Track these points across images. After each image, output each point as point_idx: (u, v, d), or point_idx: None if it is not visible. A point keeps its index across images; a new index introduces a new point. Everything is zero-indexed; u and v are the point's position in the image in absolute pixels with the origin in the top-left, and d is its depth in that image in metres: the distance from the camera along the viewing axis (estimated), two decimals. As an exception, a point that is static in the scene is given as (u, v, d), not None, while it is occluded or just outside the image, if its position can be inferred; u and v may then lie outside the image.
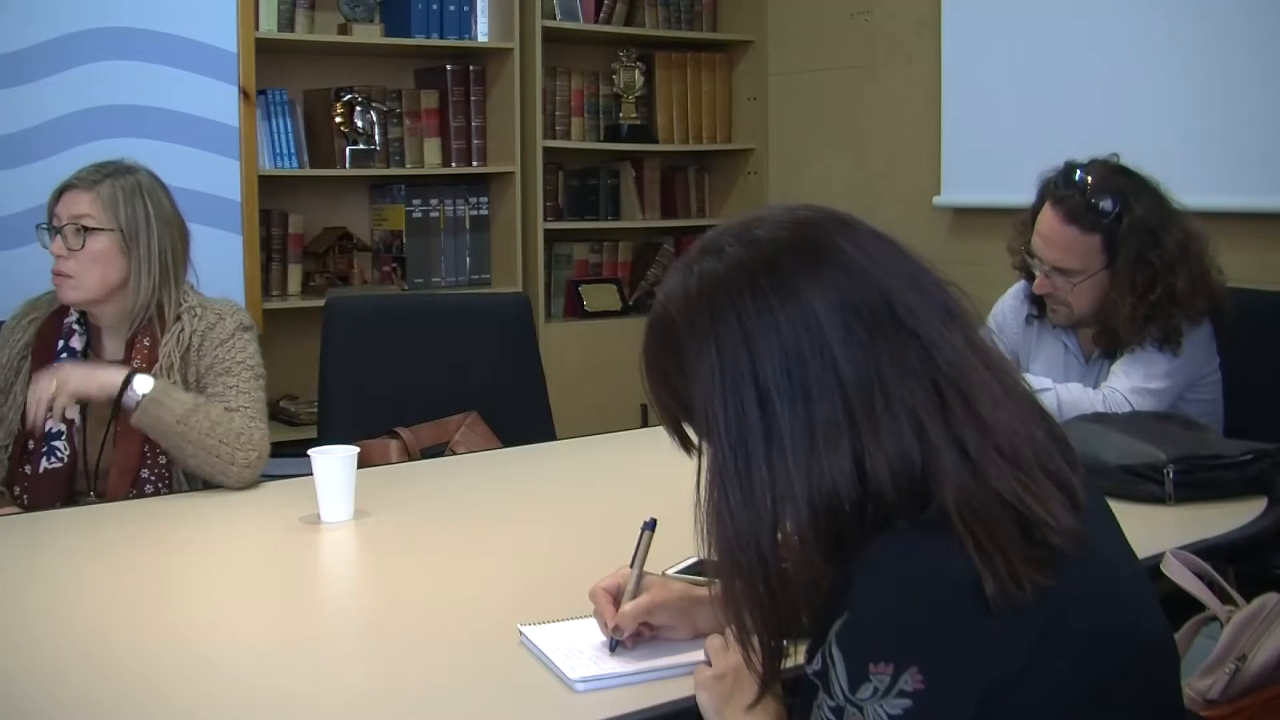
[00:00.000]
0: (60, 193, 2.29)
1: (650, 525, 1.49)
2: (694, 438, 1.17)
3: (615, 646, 1.43)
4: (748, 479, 1.08)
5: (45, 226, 2.28)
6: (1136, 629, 1.10)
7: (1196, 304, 2.42)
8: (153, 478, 2.24)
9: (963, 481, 1.05)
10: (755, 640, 1.14)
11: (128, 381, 2.18)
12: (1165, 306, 2.40)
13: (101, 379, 2.19)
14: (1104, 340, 2.52)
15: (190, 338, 2.28)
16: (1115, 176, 2.45)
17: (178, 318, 2.29)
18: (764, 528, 1.08)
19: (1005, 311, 2.69)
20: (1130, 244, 2.40)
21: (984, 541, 1.02)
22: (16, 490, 2.27)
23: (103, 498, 2.26)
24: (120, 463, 2.23)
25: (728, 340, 1.09)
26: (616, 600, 1.45)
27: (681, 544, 1.45)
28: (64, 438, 2.26)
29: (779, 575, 1.10)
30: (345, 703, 1.40)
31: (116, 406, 2.23)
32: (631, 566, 1.46)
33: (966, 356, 1.10)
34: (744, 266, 1.11)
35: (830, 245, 1.12)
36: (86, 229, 2.24)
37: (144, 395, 2.17)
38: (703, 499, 1.12)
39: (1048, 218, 2.47)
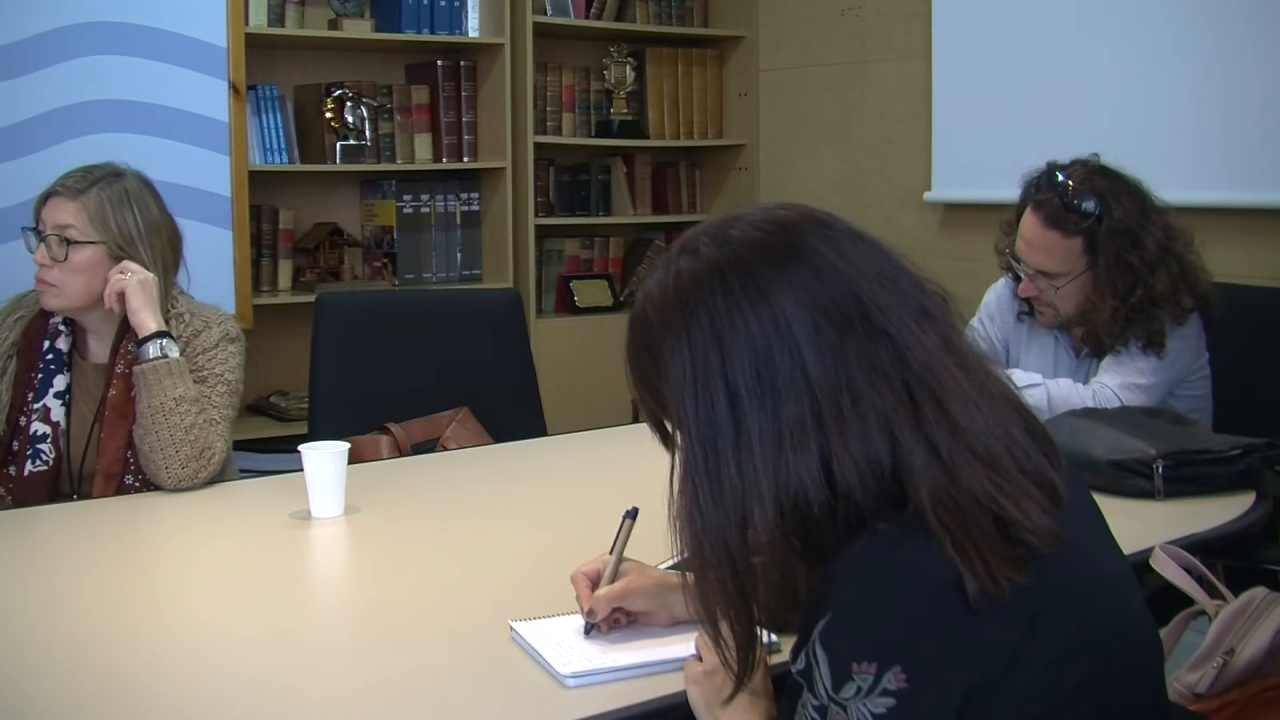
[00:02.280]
0: (46, 197, 2.26)
1: (632, 514, 1.51)
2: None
3: (590, 630, 1.46)
4: (716, 477, 1.09)
5: (31, 229, 2.26)
6: (1119, 625, 1.10)
7: (1180, 303, 2.42)
8: (137, 484, 2.23)
9: (936, 481, 1.05)
10: (727, 636, 1.14)
11: (162, 336, 2.20)
12: (1146, 308, 2.40)
13: (147, 315, 2.20)
14: (1090, 341, 2.53)
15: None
16: (1095, 178, 2.45)
17: (165, 322, 2.26)
18: (732, 526, 1.09)
19: (999, 300, 2.70)
20: (1110, 246, 2.40)
21: (961, 540, 1.03)
22: (1, 491, 2.26)
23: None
24: (105, 469, 2.22)
25: (699, 339, 1.10)
26: (595, 585, 1.48)
27: (661, 541, 1.46)
28: (49, 440, 2.25)
29: (748, 572, 1.10)
30: (336, 698, 1.40)
31: (103, 404, 2.23)
32: (611, 553, 1.49)
33: (940, 358, 1.10)
34: (717, 266, 1.12)
35: (803, 246, 1.12)
36: (70, 241, 2.21)
37: (166, 355, 2.18)
38: (674, 496, 1.13)
39: (1029, 222, 2.48)
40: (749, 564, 1.10)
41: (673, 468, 1.14)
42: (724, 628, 1.13)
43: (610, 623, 1.48)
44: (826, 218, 1.16)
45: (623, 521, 1.51)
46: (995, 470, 1.07)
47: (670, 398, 1.12)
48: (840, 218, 1.17)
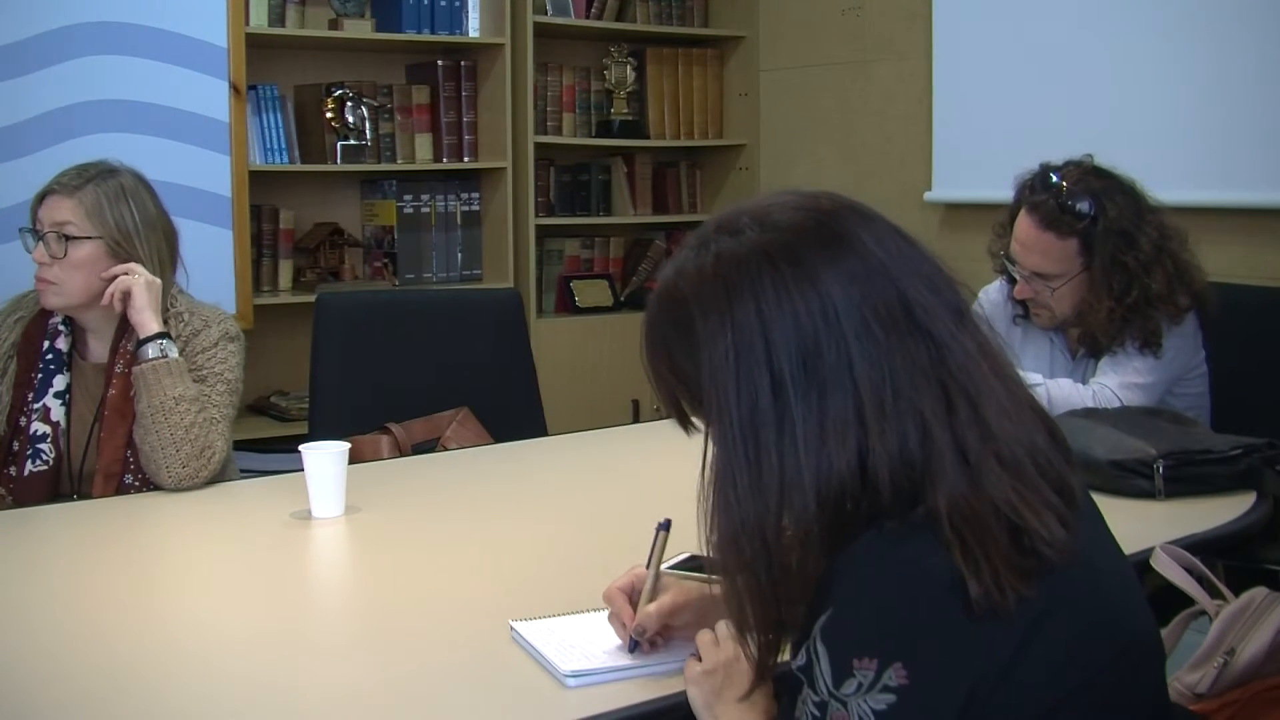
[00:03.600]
0: (42, 197, 2.26)
1: (665, 525, 1.46)
2: (692, 415, 1.16)
3: (635, 648, 1.41)
4: (756, 466, 1.07)
5: (28, 230, 2.26)
6: (1121, 627, 1.10)
7: (1176, 302, 2.42)
8: (136, 483, 2.23)
9: (957, 486, 1.04)
10: (753, 629, 1.13)
11: (162, 337, 2.20)
12: (1142, 308, 2.40)
13: (149, 316, 2.21)
14: (1087, 341, 2.52)
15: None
16: (1090, 178, 2.45)
17: (164, 322, 2.26)
18: (769, 516, 1.07)
19: (992, 303, 2.69)
20: (1105, 247, 2.40)
21: (972, 547, 1.02)
22: (1, 491, 2.26)
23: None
24: (105, 468, 2.22)
25: (744, 324, 1.07)
26: (631, 600, 1.43)
27: (673, 540, 1.45)
28: (49, 440, 2.25)
29: (781, 565, 1.09)
30: (336, 698, 1.40)
31: (102, 404, 2.23)
32: (647, 567, 1.44)
33: (977, 361, 1.09)
34: (762, 249, 1.09)
35: (851, 237, 1.10)
36: (68, 237, 2.22)
37: (166, 356, 2.19)
38: (708, 484, 1.10)
39: (1024, 224, 2.47)
40: (784, 555, 1.09)
41: (705, 454, 1.11)
42: (750, 619, 1.12)
43: (650, 639, 1.42)
44: (869, 211, 1.15)
45: (656, 534, 1.46)
46: (1019, 479, 1.06)
47: (706, 382, 1.09)
48: (879, 212, 1.15)
